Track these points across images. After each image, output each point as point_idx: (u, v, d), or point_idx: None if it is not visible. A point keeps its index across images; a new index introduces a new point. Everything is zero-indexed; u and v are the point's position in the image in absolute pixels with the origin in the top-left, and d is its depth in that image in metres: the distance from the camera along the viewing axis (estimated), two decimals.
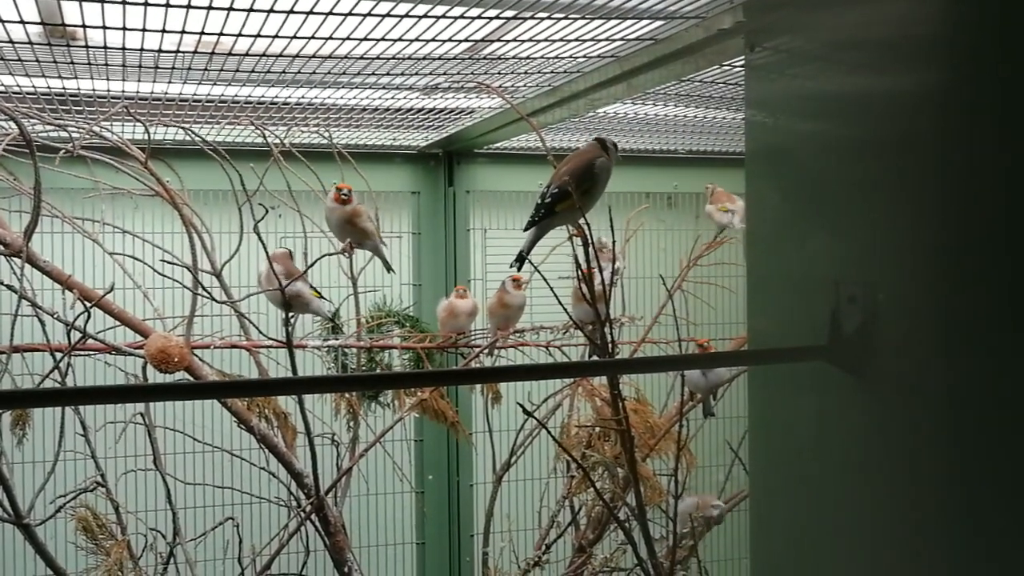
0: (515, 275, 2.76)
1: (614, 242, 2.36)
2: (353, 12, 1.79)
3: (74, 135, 2.52)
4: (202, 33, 1.89)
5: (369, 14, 1.80)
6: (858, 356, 0.91)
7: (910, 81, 0.79)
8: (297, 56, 2.10)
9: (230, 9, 1.74)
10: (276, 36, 1.92)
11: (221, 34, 1.90)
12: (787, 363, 1.06)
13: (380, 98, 2.58)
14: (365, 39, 1.97)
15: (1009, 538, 0.74)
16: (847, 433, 0.94)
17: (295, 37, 1.94)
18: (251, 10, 1.74)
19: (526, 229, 2.18)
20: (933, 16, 0.77)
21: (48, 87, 2.35)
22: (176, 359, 2.43)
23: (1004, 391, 0.74)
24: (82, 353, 2.59)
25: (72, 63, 2.11)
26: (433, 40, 2.00)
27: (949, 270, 0.77)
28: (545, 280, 2.24)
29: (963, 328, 0.78)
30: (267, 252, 2.51)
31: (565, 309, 2.40)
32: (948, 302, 0.79)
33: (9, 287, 2.46)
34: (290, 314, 2.59)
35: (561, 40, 2.02)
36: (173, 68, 2.17)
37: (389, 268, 2.79)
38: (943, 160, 0.77)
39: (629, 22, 1.88)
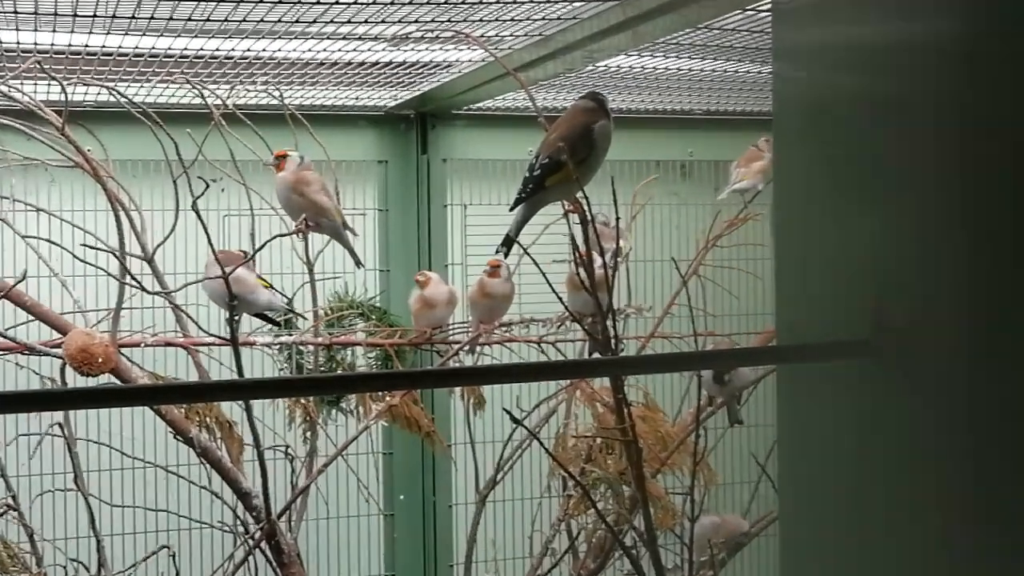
0: (493, 260, 2.74)
1: (618, 219, 2.36)
2: None
3: None
4: None
5: None
6: (906, 352, 0.91)
7: (973, 28, 0.79)
8: (242, 0, 2.08)
9: None
10: None
11: None
12: (822, 361, 1.06)
13: (340, 50, 2.57)
14: None
15: None
16: (893, 443, 0.94)
17: None
18: None
19: (513, 207, 2.18)
20: None
21: None
22: (100, 359, 2.42)
23: None
24: None
25: None
26: None
27: (1017, 250, 0.77)
28: (536, 265, 2.24)
29: None
30: (207, 233, 2.49)
31: (560, 298, 2.40)
32: (1013, 289, 0.79)
33: None
34: (235, 309, 2.57)
35: None
36: (94, 16, 2.15)
37: (358, 263, 2.77)
38: (1008, 122, 0.77)
39: None
